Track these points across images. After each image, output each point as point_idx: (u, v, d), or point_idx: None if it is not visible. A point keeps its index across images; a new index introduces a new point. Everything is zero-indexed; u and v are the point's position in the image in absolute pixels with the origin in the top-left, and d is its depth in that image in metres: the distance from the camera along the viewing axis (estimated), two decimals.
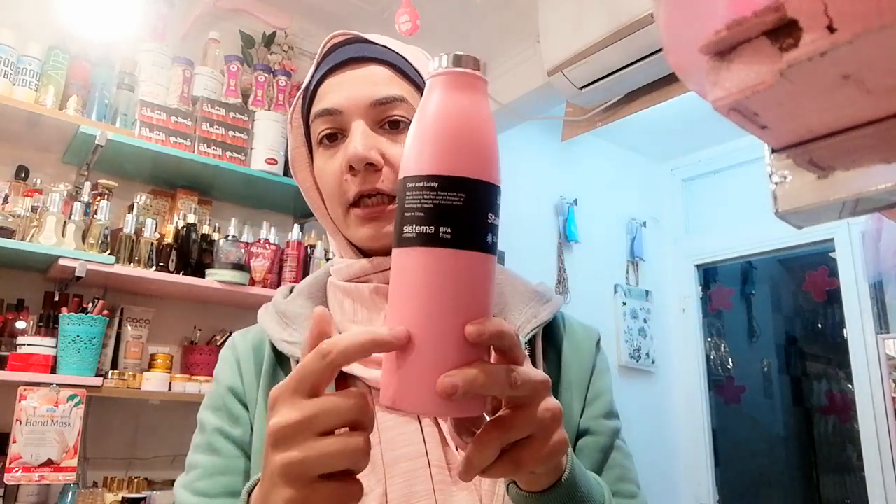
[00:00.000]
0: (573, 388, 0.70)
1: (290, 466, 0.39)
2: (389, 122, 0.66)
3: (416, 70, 0.70)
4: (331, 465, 0.39)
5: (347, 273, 0.69)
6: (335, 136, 0.67)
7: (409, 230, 0.40)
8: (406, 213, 0.40)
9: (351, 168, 0.64)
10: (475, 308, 0.40)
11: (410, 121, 0.65)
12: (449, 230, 0.39)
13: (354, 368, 0.61)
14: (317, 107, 0.68)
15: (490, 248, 0.41)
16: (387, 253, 0.66)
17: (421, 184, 0.40)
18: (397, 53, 0.70)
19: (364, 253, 0.70)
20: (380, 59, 0.68)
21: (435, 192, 0.39)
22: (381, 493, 0.59)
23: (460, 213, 0.39)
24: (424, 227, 0.39)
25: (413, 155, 0.41)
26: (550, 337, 0.72)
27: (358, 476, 0.42)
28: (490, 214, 0.41)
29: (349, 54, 0.68)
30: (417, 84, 0.70)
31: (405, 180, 0.41)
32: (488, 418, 0.43)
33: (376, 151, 0.64)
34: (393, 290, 0.41)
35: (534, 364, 0.66)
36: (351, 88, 0.66)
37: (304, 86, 0.72)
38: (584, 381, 0.71)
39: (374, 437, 0.59)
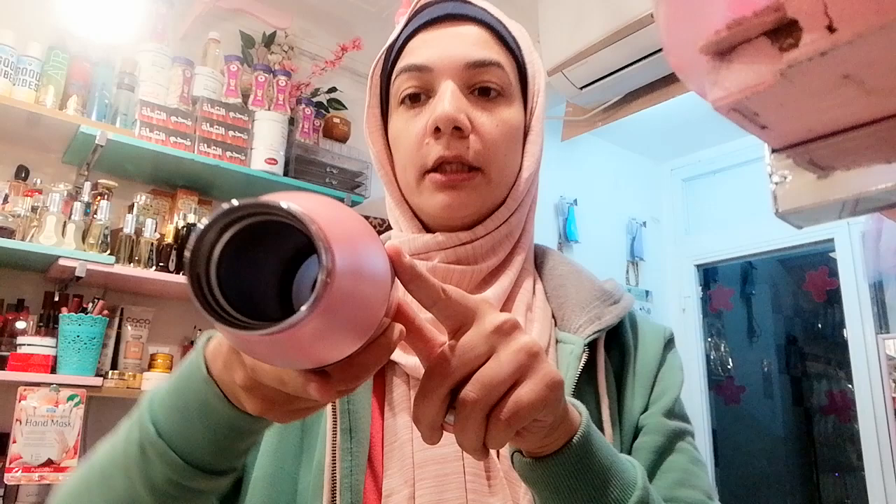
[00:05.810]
0: (636, 387, 0.64)
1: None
2: (480, 89, 0.61)
3: (514, 39, 0.65)
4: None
5: (409, 248, 0.63)
6: (418, 97, 0.62)
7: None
8: None
9: (436, 130, 0.59)
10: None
11: (502, 89, 0.62)
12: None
13: (395, 355, 0.57)
14: (403, 62, 0.63)
15: None
16: (454, 229, 0.63)
17: None
18: (496, 18, 0.65)
19: (427, 228, 0.65)
20: (478, 20, 0.63)
21: None
22: (408, 496, 0.53)
23: None
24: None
25: None
26: (615, 340, 0.65)
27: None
28: None
29: (446, 10, 0.64)
30: (515, 54, 0.65)
31: None
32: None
33: (465, 116, 0.59)
34: None
35: (594, 372, 0.61)
36: (444, 46, 0.61)
37: (389, 41, 0.66)
38: (649, 379, 0.64)
39: (408, 432, 0.56)
